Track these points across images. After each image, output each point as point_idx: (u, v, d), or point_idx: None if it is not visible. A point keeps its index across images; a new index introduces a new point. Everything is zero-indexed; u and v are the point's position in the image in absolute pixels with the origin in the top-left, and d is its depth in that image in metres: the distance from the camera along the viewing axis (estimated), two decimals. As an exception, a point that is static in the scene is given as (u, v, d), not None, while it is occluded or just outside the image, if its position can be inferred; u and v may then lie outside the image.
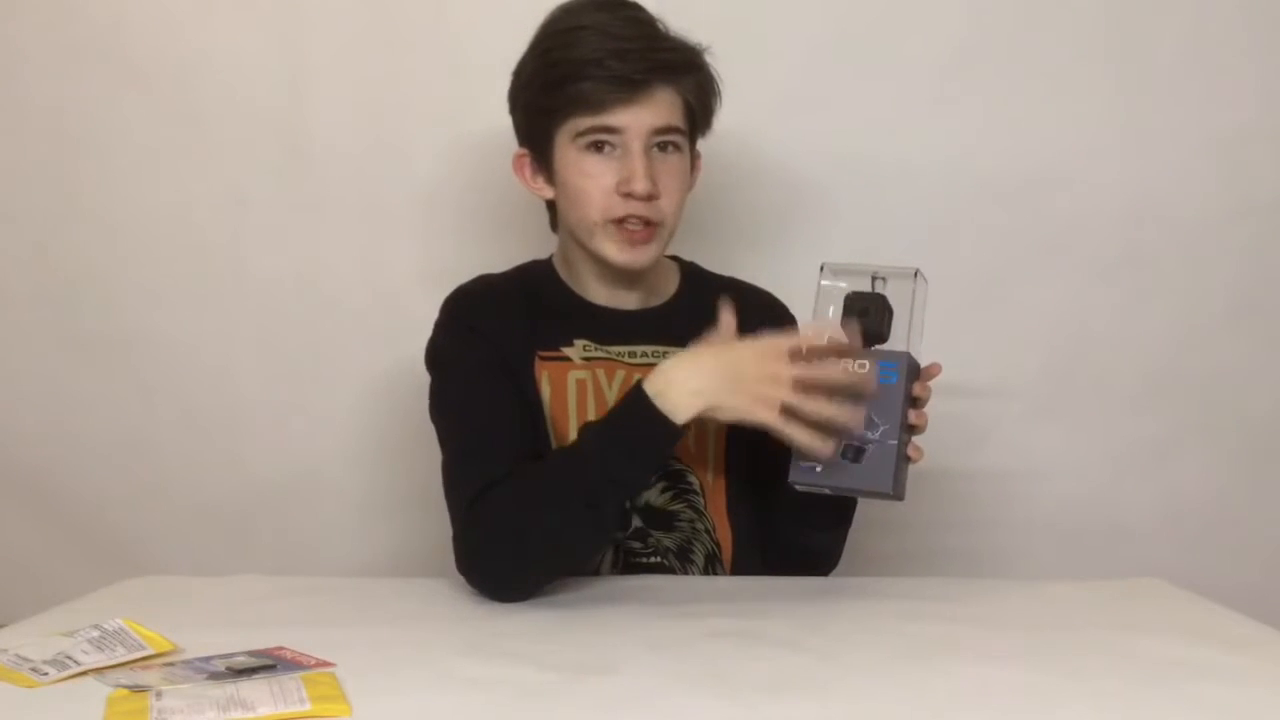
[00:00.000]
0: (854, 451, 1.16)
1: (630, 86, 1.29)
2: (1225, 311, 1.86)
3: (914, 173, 1.81)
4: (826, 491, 1.19)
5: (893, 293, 1.19)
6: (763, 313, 1.46)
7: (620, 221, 1.32)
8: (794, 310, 1.43)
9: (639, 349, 1.40)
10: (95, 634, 1.02)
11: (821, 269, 1.22)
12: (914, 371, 1.18)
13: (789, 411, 1.15)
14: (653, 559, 1.36)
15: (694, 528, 1.38)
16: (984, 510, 1.88)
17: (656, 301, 1.44)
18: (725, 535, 1.39)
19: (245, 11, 1.84)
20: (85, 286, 1.89)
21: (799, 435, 1.15)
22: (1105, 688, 0.94)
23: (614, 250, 1.34)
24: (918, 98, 1.81)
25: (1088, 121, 1.82)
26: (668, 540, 1.37)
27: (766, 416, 1.15)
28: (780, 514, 1.37)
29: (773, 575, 1.36)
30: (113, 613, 1.07)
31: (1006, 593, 1.32)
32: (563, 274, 1.44)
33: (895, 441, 1.15)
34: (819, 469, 1.16)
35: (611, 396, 1.37)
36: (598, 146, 1.31)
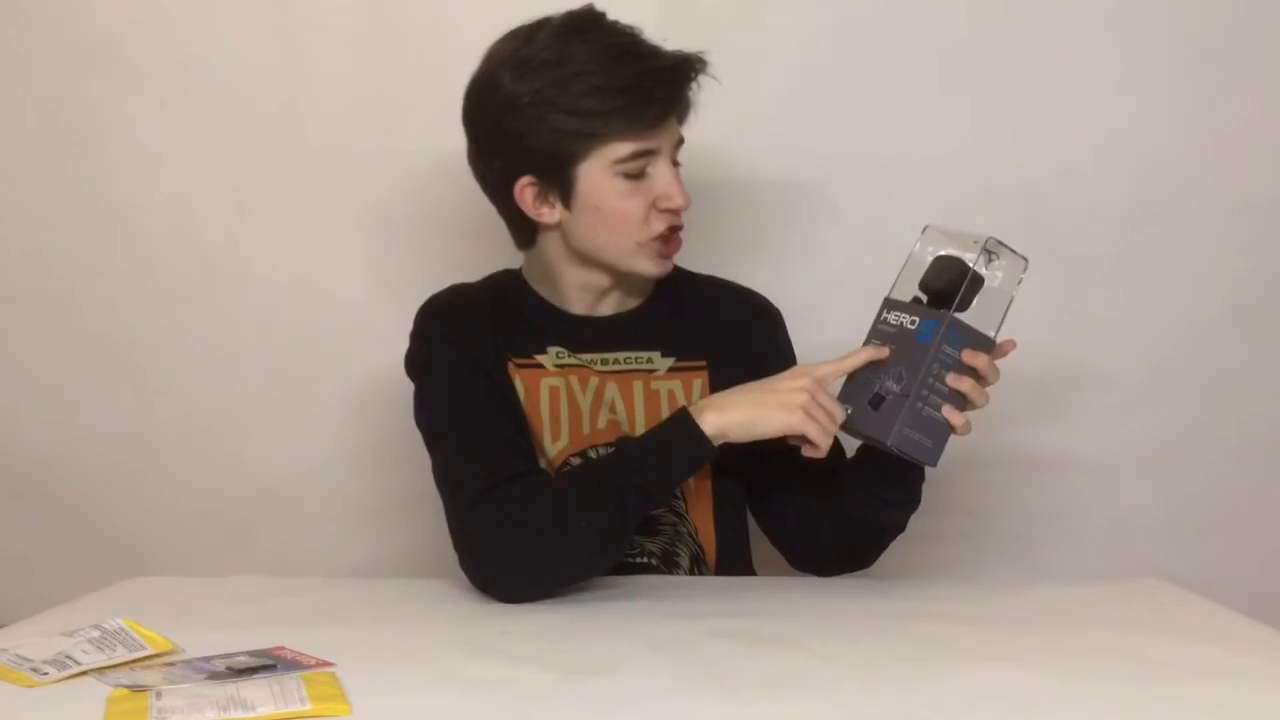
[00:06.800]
0: (876, 400, 1.19)
1: (668, 105, 1.29)
2: (1225, 311, 1.86)
3: (914, 172, 1.81)
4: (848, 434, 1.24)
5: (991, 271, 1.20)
6: (748, 314, 1.46)
7: (658, 238, 1.33)
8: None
9: (611, 355, 1.39)
10: (95, 634, 1.02)
11: (924, 230, 1.24)
12: (962, 338, 1.18)
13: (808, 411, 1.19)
14: (640, 559, 1.36)
15: (676, 531, 1.38)
16: (984, 510, 1.88)
17: (631, 305, 1.43)
18: (709, 538, 1.39)
19: (244, 11, 1.84)
20: (85, 286, 1.89)
21: (812, 429, 1.19)
22: (1105, 688, 0.94)
23: (650, 265, 1.35)
24: (917, 97, 1.81)
25: (1088, 121, 1.82)
26: (651, 544, 1.37)
27: (789, 419, 1.19)
28: (851, 492, 1.32)
29: (806, 558, 1.39)
30: (113, 613, 1.07)
31: (1007, 593, 1.32)
32: (537, 288, 1.43)
33: (908, 396, 1.17)
34: (849, 409, 1.21)
35: (585, 403, 1.37)
36: (639, 171, 1.30)
